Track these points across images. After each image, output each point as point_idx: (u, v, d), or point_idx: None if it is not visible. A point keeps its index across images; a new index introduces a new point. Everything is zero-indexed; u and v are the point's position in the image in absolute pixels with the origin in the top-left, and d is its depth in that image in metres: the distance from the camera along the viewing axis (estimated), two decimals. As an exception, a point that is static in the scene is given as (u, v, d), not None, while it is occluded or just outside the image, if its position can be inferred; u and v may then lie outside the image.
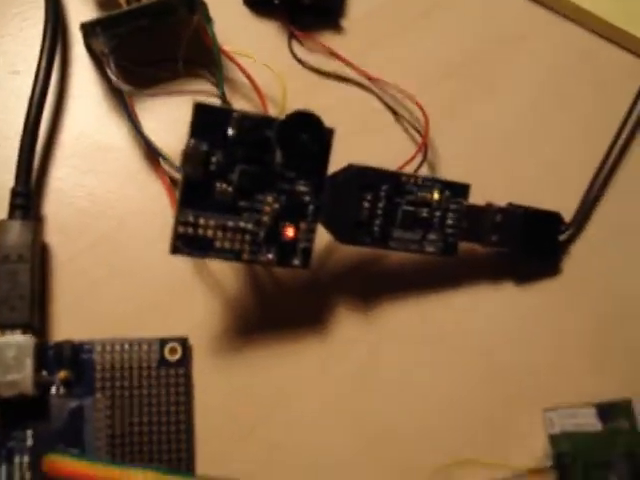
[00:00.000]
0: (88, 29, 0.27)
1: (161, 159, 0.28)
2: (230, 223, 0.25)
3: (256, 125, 0.24)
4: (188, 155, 0.24)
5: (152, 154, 0.28)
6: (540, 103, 0.31)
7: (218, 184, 0.24)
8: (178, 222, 0.24)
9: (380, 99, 0.30)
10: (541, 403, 0.28)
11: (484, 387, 0.28)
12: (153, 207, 0.28)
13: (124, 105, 0.28)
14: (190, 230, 0.24)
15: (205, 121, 0.24)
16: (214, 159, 0.24)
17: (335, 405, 0.27)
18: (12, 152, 0.27)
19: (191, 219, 0.24)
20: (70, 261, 0.27)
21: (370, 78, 0.30)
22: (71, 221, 0.28)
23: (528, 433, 0.28)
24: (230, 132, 0.24)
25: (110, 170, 0.28)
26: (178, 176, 0.27)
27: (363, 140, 0.29)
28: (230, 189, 0.24)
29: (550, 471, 0.26)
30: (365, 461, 0.26)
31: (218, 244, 0.25)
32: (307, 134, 0.25)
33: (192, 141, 0.24)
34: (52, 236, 0.27)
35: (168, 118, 0.28)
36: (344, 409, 0.27)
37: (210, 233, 0.24)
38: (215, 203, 0.24)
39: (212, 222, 0.24)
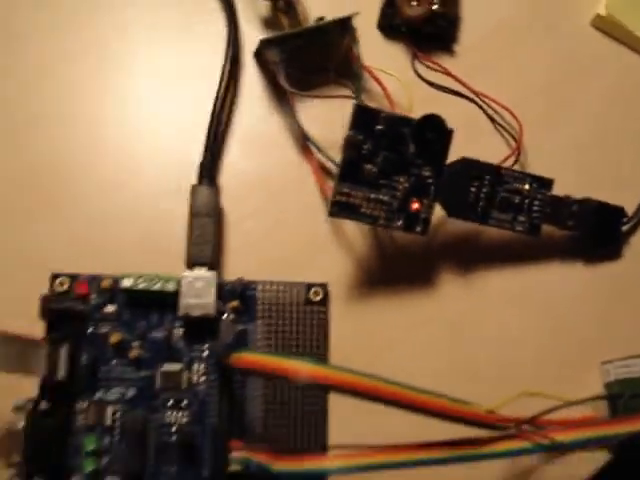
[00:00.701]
0: (265, 44, 0.35)
1: (312, 146, 0.35)
2: (372, 195, 0.32)
3: (396, 123, 0.32)
4: (348, 142, 0.32)
5: (304, 142, 0.36)
6: (608, 118, 0.38)
7: (366, 165, 0.32)
8: (336, 192, 0.32)
9: (483, 110, 0.38)
10: (599, 357, 0.35)
11: (554, 342, 0.35)
12: (302, 183, 0.36)
13: (287, 102, 0.36)
14: (344, 199, 0.32)
15: (361, 118, 0.32)
16: (365, 146, 0.32)
17: (435, 347, 0.35)
18: (200, 136, 0.35)
19: (346, 190, 0.32)
20: (239, 221, 0.35)
21: (475, 92, 0.38)
22: (240, 191, 0.36)
23: (586, 383, 0.35)
24: (378, 127, 0.32)
25: (271, 153, 0.36)
26: (324, 160, 0.35)
27: (469, 141, 0.35)
28: (374, 170, 0.32)
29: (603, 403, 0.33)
30: (455, 391, 0.32)
31: (363, 210, 0.33)
32: (433, 132, 0.33)
33: (351, 132, 0.32)
34: (225, 201, 0.35)
35: (319, 115, 0.36)
36: (442, 350, 0.35)
37: (357, 202, 0.32)
38: (363, 180, 0.32)
39: (360, 194, 0.32)
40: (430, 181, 0.33)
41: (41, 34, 0.36)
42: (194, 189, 0.34)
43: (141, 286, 0.32)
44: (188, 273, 0.32)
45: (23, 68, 0.36)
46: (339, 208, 0.32)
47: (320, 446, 0.32)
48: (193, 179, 0.34)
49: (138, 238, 0.34)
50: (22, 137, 0.35)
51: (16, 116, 0.35)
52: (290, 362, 0.27)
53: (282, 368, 0.27)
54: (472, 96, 0.38)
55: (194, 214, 0.33)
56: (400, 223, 0.32)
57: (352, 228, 0.35)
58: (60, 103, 0.36)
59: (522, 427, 0.30)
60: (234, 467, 0.31)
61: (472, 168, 0.33)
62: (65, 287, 0.33)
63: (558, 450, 0.30)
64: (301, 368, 0.27)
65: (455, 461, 0.29)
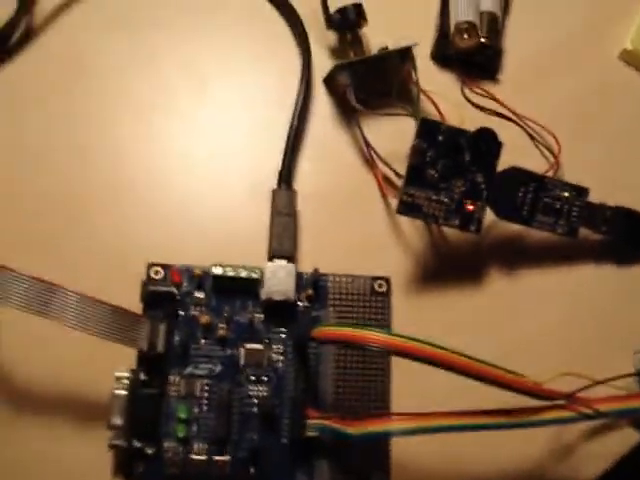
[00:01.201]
0: (338, 68, 0.40)
1: (375, 157, 0.41)
2: (434, 197, 0.37)
3: (455, 135, 0.37)
4: (414, 149, 0.36)
5: (369, 154, 0.41)
6: (634, 136, 0.43)
7: (429, 170, 0.37)
8: (403, 193, 0.37)
9: (524, 129, 0.43)
10: (631, 348, 0.39)
11: (589, 335, 0.40)
12: (367, 190, 0.41)
13: (355, 120, 0.41)
14: (409, 199, 0.37)
15: (425, 129, 0.37)
16: (428, 154, 0.37)
17: (483, 336, 0.39)
18: (278, 148, 0.40)
19: (411, 192, 0.37)
20: (311, 222, 0.40)
21: (516, 114, 0.43)
22: (312, 196, 0.40)
23: (620, 371, 0.39)
24: (439, 138, 0.37)
25: (340, 164, 0.41)
26: (386, 170, 0.40)
27: (512, 157, 0.39)
28: (436, 175, 0.37)
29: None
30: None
31: (425, 210, 0.37)
32: (486, 143, 0.38)
33: (417, 141, 0.37)
34: (300, 205, 0.40)
35: (381, 132, 0.41)
36: (489, 338, 0.39)
37: (421, 202, 0.37)
38: (426, 183, 0.37)
39: (422, 195, 0.37)
40: (483, 186, 0.37)
41: (122, 70, 0.42)
42: (275, 193, 0.39)
43: (230, 274, 0.37)
44: (270, 264, 0.37)
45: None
46: (405, 207, 0.36)
47: (384, 412, 0.36)
48: (273, 186, 0.39)
49: (224, 237, 0.39)
50: (121, 151, 0.40)
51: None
52: (367, 332, 0.32)
53: (360, 337, 0.32)
54: (514, 117, 0.42)
55: (275, 214, 0.38)
56: (457, 222, 0.37)
57: (410, 229, 0.40)
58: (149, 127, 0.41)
59: (569, 398, 0.34)
60: (310, 433, 0.35)
61: (520, 175, 0.38)
62: (160, 275, 0.37)
63: (601, 418, 0.34)
64: (377, 336, 0.31)
65: (508, 427, 0.33)
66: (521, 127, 0.42)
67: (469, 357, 0.32)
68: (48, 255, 0.37)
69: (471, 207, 0.37)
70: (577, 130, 0.43)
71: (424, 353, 0.31)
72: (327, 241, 0.39)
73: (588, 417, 0.34)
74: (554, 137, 0.41)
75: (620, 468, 0.38)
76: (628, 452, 0.38)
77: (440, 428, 0.32)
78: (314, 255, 0.39)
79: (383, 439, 0.35)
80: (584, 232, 0.40)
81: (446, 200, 0.37)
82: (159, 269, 0.37)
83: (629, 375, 0.36)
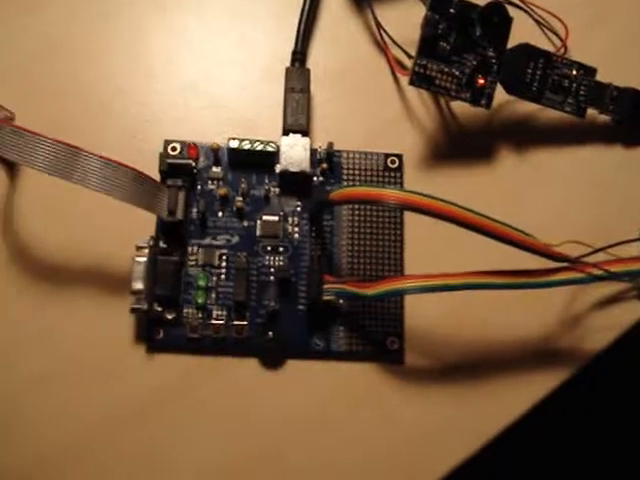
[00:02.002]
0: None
1: (388, 40, 0.41)
2: (446, 69, 0.38)
3: (466, 8, 0.38)
4: (426, 21, 0.37)
5: (382, 37, 0.41)
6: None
7: (441, 43, 0.38)
8: (415, 64, 0.37)
9: (530, 14, 0.43)
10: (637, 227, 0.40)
11: (597, 212, 0.41)
12: (379, 73, 0.42)
13: (367, 3, 0.41)
14: (422, 70, 0.38)
15: (438, 2, 0.37)
16: (440, 27, 0.38)
17: (493, 210, 0.40)
18: (291, 31, 0.41)
19: (424, 63, 0.38)
20: (325, 101, 0.41)
21: (523, 1, 0.43)
22: (325, 77, 0.41)
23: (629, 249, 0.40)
24: (451, 10, 0.38)
25: (352, 46, 0.42)
26: (399, 54, 0.41)
27: (519, 39, 0.40)
28: (448, 47, 0.38)
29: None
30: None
31: (437, 82, 0.38)
32: (497, 18, 0.38)
33: (429, 13, 0.37)
34: (313, 85, 0.41)
35: (394, 16, 0.42)
36: (499, 212, 0.40)
37: (433, 74, 0.38)
38: (438, 55, 0.38)
39: (435, 67, 0.38)
40: (493, 61, 0.38)
41: None
42: (288, 70, 0.39)
43: (246, 147, 0.37)
44: (285, 137, 0.38)
45: None
46: (418, 78, 0.37)
47: (398, 273, 0.37)
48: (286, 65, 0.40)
49: (239, 116, 0.40)
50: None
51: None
52: (383, 189, 0.32)
53: (377, 194, 0.32)
54: (520, 4, 0.43)
55: (289, 90, 0.39)
56: (468, 95, 0.38)
57: (421, 108, 0.41)
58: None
59: (578, 260, 0.35)
60: (327, 297, 0.36)
61: (530, 52, 0.39)
62: (177, 152, 0.38)
63: (610, 279, 0.35)
64: (393, 193, 0.32)
65: (517, 287, 0.34)
66: (527, 13, 0.43)
67: (482, 214, 0.32)
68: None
69: (482, 81, 0.38)
70: (584, 15, 0.44)
71: (438, 209, 0.32)
72: (340, 120, 0.40)
73: (596, 278, 0.35)
74: (561, 22, 0.41)
75: (626, 338, 0.39)
76: (634, 323, 0.38)
77: (452, 286, 0.33)
78: (327, 133, 0.40)
79: (397, 296, 0.36)
80: (591, 115, 0.40)
81: (457, 73, 0.37)
82: (176, 145, 0.38)
83: (631, 240, 0.37)
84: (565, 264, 0.35)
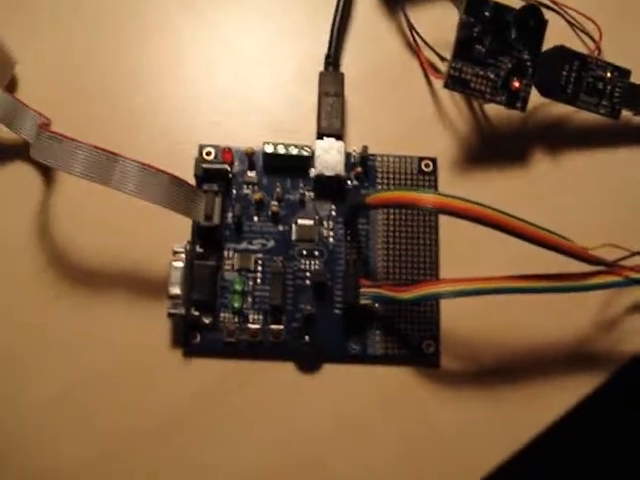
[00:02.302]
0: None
1: (421, 43, 0.41)
2: (481, 72, 0.38)
3: (502, 11, 0.38)
4: (462, 24, 0.37)
5: (414, 39, 0.41)
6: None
7: (476, 46, 0.38)
8: (451, 67, 0.37)
9: (563, 16, 0.43)
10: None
11: (632, 216, 0.41)
12: (412, 75, 0.41)
13: (400, 5, 0.41)
14: (457, 73, 0.38)
15: (473, 4, 0.37)
16: (475, 29, 0.38)
17: (526, 212, 0.40)
18: (325, 34, 0.41)
19: (459, 66, 0.38)
20: (359, 105, 0.41)
21: (555, 2, 0.43)
22: (359, 80, 0.41)
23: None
24: (487, 14, 0.38)
25: (386, 50, 0.42)
26: (432, 56, 0.41)
27: (553, 41, 0.40)
28: (483, 50, 0.38)
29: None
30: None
31: (472, 85, 0.38)
32: (532, 21, 0.38)
33: (464, 16, 0.37)
34: (347, 89, 0.41)
35: (426, 18, 0.42)
36: (533, 214, 0.40)
37: (468, 77, 0.38)
38: (473, 58, 0.38)
39: (470, 70, 0.38)
40: (529, 64, 0.38)
41: None
42: (322, 75, 0.39)
43: (281, 151, 0.37)
44: (320, 141, 0.38)
45: None
46: (453, 81, 0.37)
47: (434, 277, 0.37)
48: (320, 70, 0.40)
49: (273, 121, 0.40)
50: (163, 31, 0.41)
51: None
52: (418, 192, 0.32)
53: (411, 197, 0.32)
54: (553, 6, 0.43)
55: (323, 94, 0.39)
56: (503, 99, 0.38)
57: (454, 111, 0.40)
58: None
59: (615, 264, 0.34)
60: (364, 300, 0.36)
61: (565, 54, 0.38)
62: (212, 156, 0.38)
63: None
64: (427, 196, 0.32)
65: (553, 291, 0.34)
66: (560, 15, 0.43)
67: (518, 218, 0.32)
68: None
69: (517, 84, 0.37)
70: (618, 16, 0.43)
71: (475, 212, 0.32)
72: (374, 124, 0.40)
73: (634, 281, 0.34)
74: (594, 23, 0.41)
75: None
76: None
77: (488, 290, 0.33)
78: (361, 136, 0.40)
79: (432, 300, 0.36)
80: (626, 117, 0.40)
81: (493, 76, 0.37)
82: (210, 149, 0.38)
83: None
84: (602, 267, 0.34)
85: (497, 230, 0.32)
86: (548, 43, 0.38)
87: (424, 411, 0.36)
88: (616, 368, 0.37)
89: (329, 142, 0.37)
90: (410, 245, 0.38)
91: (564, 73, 0.38)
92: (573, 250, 0.34)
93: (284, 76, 0.40)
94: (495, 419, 0.36)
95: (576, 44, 0.42)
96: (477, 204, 0.32)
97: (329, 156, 0.37)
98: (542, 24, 0.37)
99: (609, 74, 0.39)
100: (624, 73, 0.39)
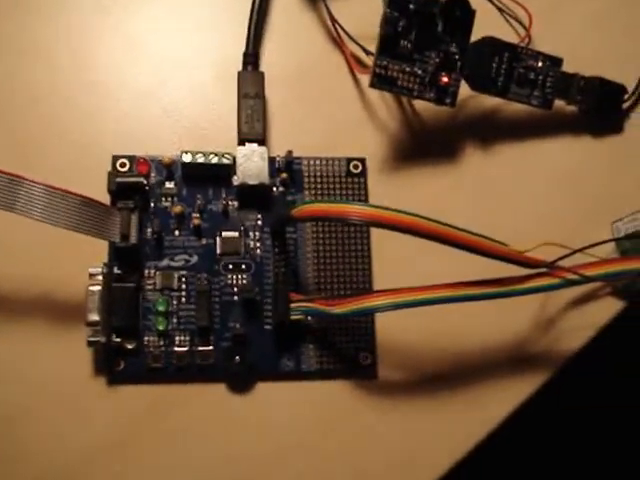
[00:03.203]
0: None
1: (344, 36, 0.39)
2: (407, 69, 0.36)
3: (427, 3, 0.36)
4: (385, 19, 0.35)
5: (337, 33, 0.39)
6: (608, 9, 0.42)
7: (402, 41, 0.36)
8: (376, 65, 0.35)
9: (492, 2, 0.41)
10: (608, 219, 0.39)
11: (567, 205, 0.39)
12: (336, 70, 0.39)
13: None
14: (382, 71, 0.36)
15: (396, -3, 0.35)
16: (400, 24, 0.36)
17: (460, 210, 0.38)
18: (242, 30, 0.38)
19: (384, 63, 0.36)
20: (281, 105, 0.39)
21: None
22: (280, 79, 0.39)
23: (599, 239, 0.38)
24: (411, 6, 0.36)
25: (307, 45, 0.39)
26: (356, 50, 0.39)
27: (483, 31, 0.38)
28: (409, 45, 0.36)
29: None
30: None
31: (399, 82, 0.36)
32: (459, 11, 0.36)
33: (388, 11, 0.35)
34: (267, 88, 0.38)
35: (348, 11, 0.39)
36: (466, 211, 0.38)
37: (395, 74, 0.36)
38: (399, 54, 0.36)
39: (396, 67, 0.36)
40: (457, 57, 0.36)
41: None
42: (241, 75, 0.37)
43: (200, 160, 0.35)
44: (241, 148, 0.35)
45: None
46: (379, 80, 0.35)
47: (367, 290, 0.36)
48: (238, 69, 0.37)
49: (191, 124, 0.38)
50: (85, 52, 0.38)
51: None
52: (345, 205, 0.31)
53: (339, 210, 0.30)
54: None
55: (242, 96, 0.37)
56: (432, 95, 0.36)
57: (382, 107, 0.39)
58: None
59: (552, 265, 0.33)
60: (296, 316, 0.34)
61: (494, 45, 0.37)
62: (126, 168, 0.36)
63: (585, 283, 0.34)
64: (355, 209, 0.30)
65: (491, 297, 0.33)
66: (490, 1, 0.41)
67: (449, 225, 0.31)
68: (10, 152, 0.35)
69: (446, 79, 0.36)
70: (548, 3, 0.42)
71: (402, 222, 0.30)
72: (298, 124, 0.38)
73: (573, 282, 0.34)
74: (525, 9, 0.40)
75: (602, 337, 0.38)
76: (609, 321, 0.38)
77: (424, 301, 0.32)
78: (286, 139, 0.38)
79: (368, 314, 0.35)
80: (559, 105, 0.39)
81: (420, 72, 0.36)
82: (124, 161, 0.36)
83: (608, 241, 0.36)
84: (540, 269, 0.33)
85: (430, 240, 0.30)
86: (477, 31, 0.37)
87: (363, 423, 0.35)
88: (557, 367, 0.36)
89: (251, 148, 0.35)
90: (341, 254, 0.36)
91: (494, 65, 0.37)
92: (509, 255, 0.33)
93: (201, 77, 0.38)
94: (436, 427, 0.36)
95: (506, 31, 0.41)
96: (408, 214, 0.30)
97: (252, 163, 0.35)
98: (470, 15, 0.36)
99: (540, 64, 0.38)
100: (556, 62, 0.38)
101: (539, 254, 0.33)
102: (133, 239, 0.34)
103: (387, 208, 0.30)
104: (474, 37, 0.37)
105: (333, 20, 0.38)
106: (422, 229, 0.30)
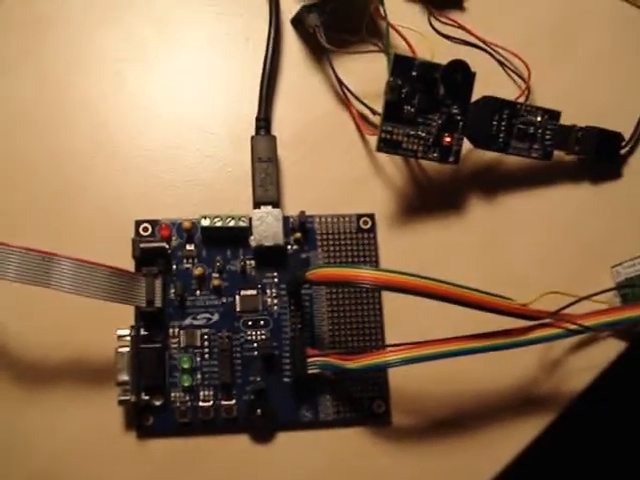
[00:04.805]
0: (306, 9, 0.40)
1: (350, 96, 0.41)
2: (412, 132, 0.38)
3: (428, 69, 0.38)
4: (389, 87, 0.37)
5: (344, 93, 0.41)
6: (603, 57, 0.44)
7: (405, 106, 0.38)
8: (382, 130, 0.37)
9: (493, 56, 0.43)
10: (609, 263, 0.41)
11: (569, 253, 0.41)
12: (344, 129, 0.41)
13: (327, 60, 0.41)
14: (388, 136, 0.38)
15: (399, 65, 0.37)
16: (404, 90, 0.38)
17: (467, 262, 0.40)
18: (253, 96, 0.40)
19: (389, 129, 0.38)
20: (292, 165, 0.41)
21: (484, 42, 0.43)
22: (291, 139, 0.41)
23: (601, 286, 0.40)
24: (413, 73, 0.37)
25: (315, 106, 0.41)
26: (361, 108, 0.40)
27: (483, 86, 0.39)
28: (412, 110, 0.38)
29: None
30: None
31: (404, 145, 0.38)
32: (460, 75, 0.38)
33: (391, 78, 0.37)
34: (279, 149, 0.40)
35: (354, 70, 0.41)
36: (473, 264, 0.40)
37: (399, 138, 0.38)
38: (403, 119, 0.38)
39: (401, 131, 0.38)
40: (458, 118, 0.38)
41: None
42: (254, 139, 0.39)
43: (217, 224, 0.37)
44: (257, 211, 0.37)
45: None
46: (385, 144, 0.37)
47: (379, 345, 0.38)
48: (251, 133, 0.39)
49: (208, 187, 0.40)
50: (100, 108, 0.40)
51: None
52: (357, 270, 0.33)
53: (350, 275, 0.33)
54: (482, 45, 0.43)
55: (256, 160, 0.38)
56: (435, 155, 0.38)
57: (390, 165, 0.40)
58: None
59: (555, 316, 0.35)
60: (313, 370, 0.36)
61: (493, 104, 0.38)
62: (148, 232, 0.38)
63: (586, 332, 0.36)
64: (366, 274, 0.32)
65: (497, 349, 0.35)
66: (490, 54, 0.43)
67: (457, 285, 0.33)
68: (33, 224, 0.38)
69: (449, 139, 0.38)
70: (546, 55, 0.44)
71: (413, 286, 0.32)
72: (309, 183, 0.40)
73: (574, 332, 0.35)
74: (524, 62, 0.41)
75: (605, 378, 0.39)
76: (611, 364, 0.39)
77: (434, 355, 0.34)
78: (298, 198, 0.40)
79: (381, 370, 0.36)
80: (558, 155, 0.40)
81: (424, 134, 0.37)
82: (147, 225, 0.38)
83: (609, 290, 0.38)
84: (544, 320, 0.35)
85: (437, 300, 0.32)
86: (478, 84, 0.38)
87: (379, 467, 0.37)
88: (563, 407, 0.38)
89: (266, 210, 0.37)
90: (354, 307, 0.38)
91: (494, 123, 0.39)
92: (512, 309, 0.35)
93: (216, 143, 0.40)
94: (447, 469, 0.37)
95: (506, 83, 0.42)
96: (419, 277, 0.32)
97: (267, 225, 0.37)
98: (470, 78, 0.37)
99: (539, 118, 0.39)
100: (554, 115, 0.40)
101: (543, 302, 0.36)
102: (158, 303, 0.36)
103: (398, 272, 0.32)
104: (476, 88, 0.38)
105: (340, 82, 0.40)
106: (430, 291, 0.32)
